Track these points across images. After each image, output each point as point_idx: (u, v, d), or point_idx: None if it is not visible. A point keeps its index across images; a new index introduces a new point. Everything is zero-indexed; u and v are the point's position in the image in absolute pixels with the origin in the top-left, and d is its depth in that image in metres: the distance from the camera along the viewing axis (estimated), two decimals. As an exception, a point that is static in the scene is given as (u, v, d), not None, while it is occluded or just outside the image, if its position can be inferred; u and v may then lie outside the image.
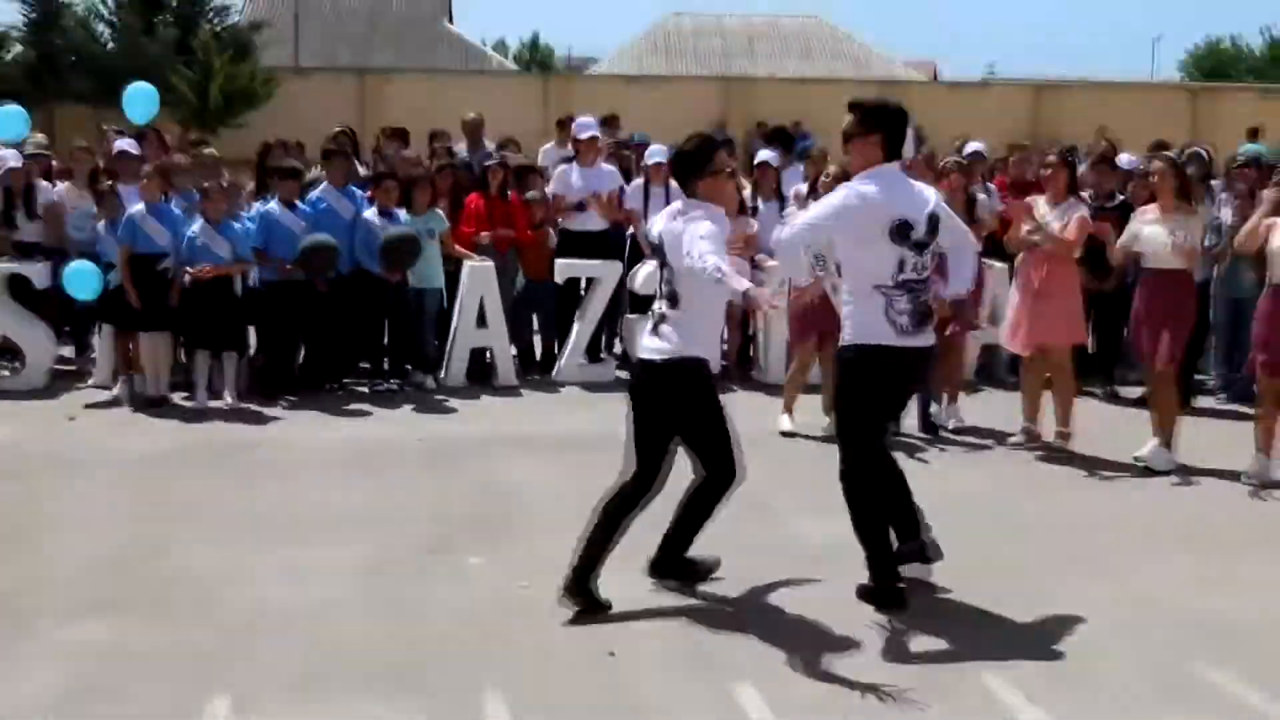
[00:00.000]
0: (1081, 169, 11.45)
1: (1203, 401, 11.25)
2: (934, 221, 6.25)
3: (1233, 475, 8.73)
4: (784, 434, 9.68)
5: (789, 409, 9.88)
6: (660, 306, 6.23)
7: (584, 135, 12.40)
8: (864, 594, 6.32)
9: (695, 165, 6.23)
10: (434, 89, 29.11)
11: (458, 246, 11.64)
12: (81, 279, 10.51)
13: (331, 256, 10.81)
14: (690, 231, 5.99)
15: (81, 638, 5.78)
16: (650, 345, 6.18)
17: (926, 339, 6.29)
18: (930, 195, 6.37)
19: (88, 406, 10.54)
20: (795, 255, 6.73)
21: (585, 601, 6.12)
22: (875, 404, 6.36)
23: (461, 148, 14.23)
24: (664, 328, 6.16)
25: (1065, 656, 5.74)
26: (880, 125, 6.25)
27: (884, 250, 6.13)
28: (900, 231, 6.13)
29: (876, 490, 6.36)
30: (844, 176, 7.32)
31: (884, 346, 6.18)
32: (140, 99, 12.26)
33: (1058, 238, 9.18)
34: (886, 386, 6.33)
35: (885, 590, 6.30)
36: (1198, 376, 11.60)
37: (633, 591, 6.32)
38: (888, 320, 6.16)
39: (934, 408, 10.02)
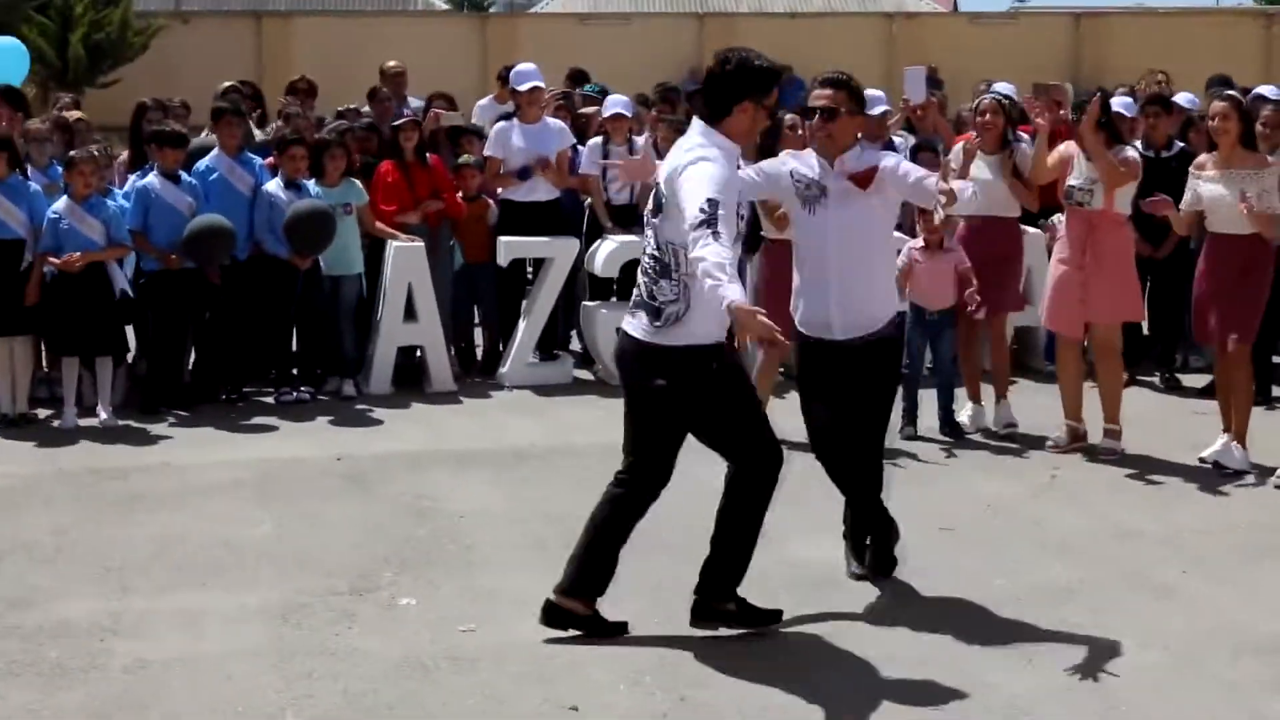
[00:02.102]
0: (1119, 108, 11.54)
1: (1281, 390, 11.38)
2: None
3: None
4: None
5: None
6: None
7: (524, 86, 12.34)
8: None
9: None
10: (347, 33, 29.15)
11: (380, 224, 11.67)
12: None
13: (226, 240, 10.81)
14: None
15: (-69, 705, 5.82)
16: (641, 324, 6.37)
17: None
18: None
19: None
20: None
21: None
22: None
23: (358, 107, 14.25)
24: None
25: (1117, 696, 5.84)
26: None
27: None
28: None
29: None
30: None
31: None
32: (6, 56, 12.05)
33: (1108, 158, 9.13)
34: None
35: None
36: (1276, 360, 11.72)
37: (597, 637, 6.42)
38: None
39: (969, 409, 10.15)
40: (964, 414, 10.15)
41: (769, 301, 8.22)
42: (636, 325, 6.37)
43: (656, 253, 6.30)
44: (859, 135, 7.03)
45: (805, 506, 7.57)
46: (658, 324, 6.28)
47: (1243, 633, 6.49)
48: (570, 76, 15.14)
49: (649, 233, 6.36)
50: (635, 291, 6.44)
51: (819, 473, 7.18)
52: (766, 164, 7.21)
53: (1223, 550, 7.69)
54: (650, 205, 6.38)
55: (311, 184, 11.38)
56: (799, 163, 7.02)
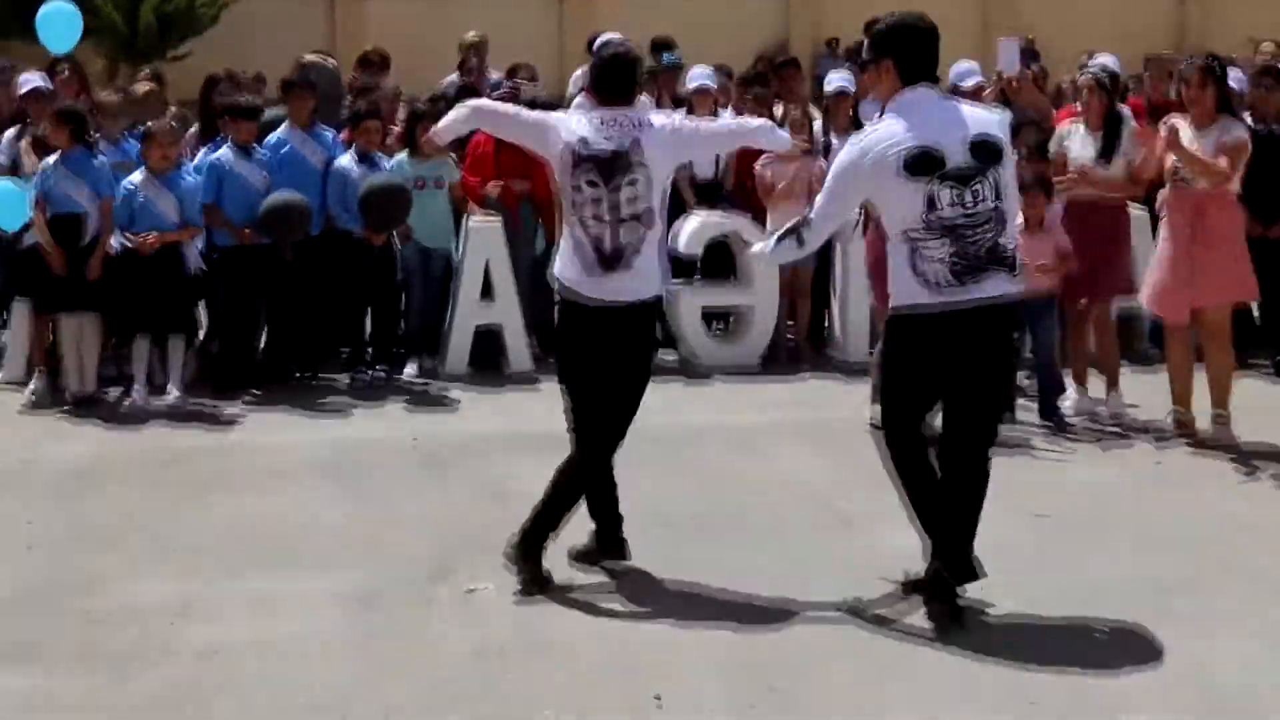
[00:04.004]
0: (1234, 82, 11.42)
1: None
2: (985, 149, 6.38)
3: None
4: (874, 426, 9.66)
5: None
6: (636, 228, 6.79)
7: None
8: (936, 588, 6.56)
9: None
10: (422, 6, 29.16)
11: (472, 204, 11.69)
12: (3, 202, 10.51)
13: (302, 217, 10.88)
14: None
15: (2, 689, 5.86)
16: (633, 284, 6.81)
17: (981, 292, 6.36)
18: (982, 118, 6.58)
19: (6, 409, 10.62)
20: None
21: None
22: (906, 381, 6.66)
23: (454, 76, 14.30)
24: (640, 257, 6.81)
25: (1227, 694, 5.77)
26: (889, 50, 6.55)
27: (900, 189, 6.36)
28: (916, 164, 6.31)
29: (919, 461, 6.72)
30: None
31: (906, 309, 6.50)
32: (59, 21, 12.13)
33: (1205, 163, 9.07)
34: (913, 360, 6.58)
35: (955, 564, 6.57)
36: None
37: (682, 623, 6.41)
38: (914, 272, 6.40)
39: (1073, 394, 10.06)
40: (1067, 400, 10.06)
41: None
42: (998, 285, 6.40)
43: (999, 201, 6.37)
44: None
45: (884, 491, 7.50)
46: (1016, 274, 6.46)
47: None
48: (654, 47, 15.05)
49: (984, 182, 6.35)
50: (926, 262, 6.35)
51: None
52: None
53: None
54: (978, 153, 6.37)
55: (398, 158, 11.42)
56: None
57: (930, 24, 6.58)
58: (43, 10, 11.94)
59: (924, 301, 6.38)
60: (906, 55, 6.52)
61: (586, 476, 7.02)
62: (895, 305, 6.53)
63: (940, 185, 6.29)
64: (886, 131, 6.42)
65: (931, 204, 6.30)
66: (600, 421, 6.95)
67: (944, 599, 6.47)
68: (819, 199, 6.77)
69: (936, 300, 6.36)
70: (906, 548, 6.97)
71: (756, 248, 7.60)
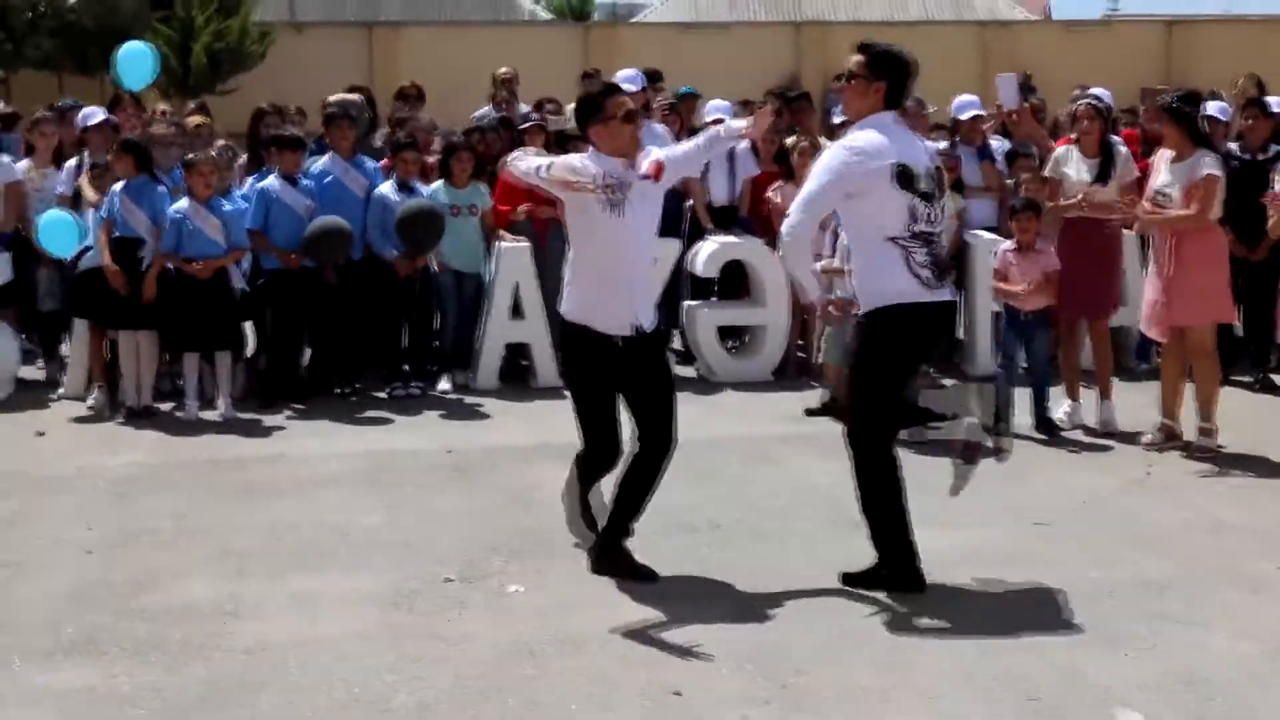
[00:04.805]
0: (1213, 110, 11.55)
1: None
2: (939, 174, 6.75)
3: None
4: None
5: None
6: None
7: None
8: (864, 580, 6.81)
9: (584, 115, 7.02)
10: (454, 43, 29.31)
11: (501, 230, 11.72)
12: (58, 231, 10.56)
13: (344, 241, 10.92)
14: None
15: (62, 682, 5.89)
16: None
17: (948, 294, 6.85)
18: (931, 148, 7.02)
19: (66, 420, 10.68)
20: (805, 250, 7.09)
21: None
22: (899, 371, 6.82)
23: (487, 109, 14.32)
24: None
25: (1213, 689, 5.74)
26: (886, 74, 6.75)
27: (892, 198, 6.59)
28: (904, 177, 6.58)
29: (890, 476, 6.82)
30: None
31: (911, 304, 6.66)
32: (135, 60, 12.09)
33: (1174, 222, 9.14)
34: (914, 348, 6.85)
35: (903, 573, 6.78)
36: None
37: (701, 622, 6.40)
38: (911, 274, 6.63)
39: (1066, 406, 10.04)
40: (1060, 411, 10.03)
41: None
42: (951, 288, 6.94)
43: (943, 219, 6.83)
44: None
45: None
46: (945, 283, 6.80)
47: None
48: (647, 77, 14.96)
49: (939, 201, 6.74)
50: (918, 266, 6.65)
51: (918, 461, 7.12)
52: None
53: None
54: (936, 177, 6.74)
55: (434, 186, 11.46)
56: (598, 165, 6.91)
57: (914, 60, 6.83)
58: (124, 50, 11.93)
59: (925, 300, 6.66)
60: (897, 82, 6.74)
61: (592, 464, 7.13)
62: (892, 302, 6.66)
63: (917, 200, 6.61)
64: (877, 143, 6.62)
65: (914, 215, 6.61)
66: (601, 424, 7.04)
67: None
68: (806, 191, 6.80)
69: (930, 298, 6.69)
70: (922, 539, 6.98)
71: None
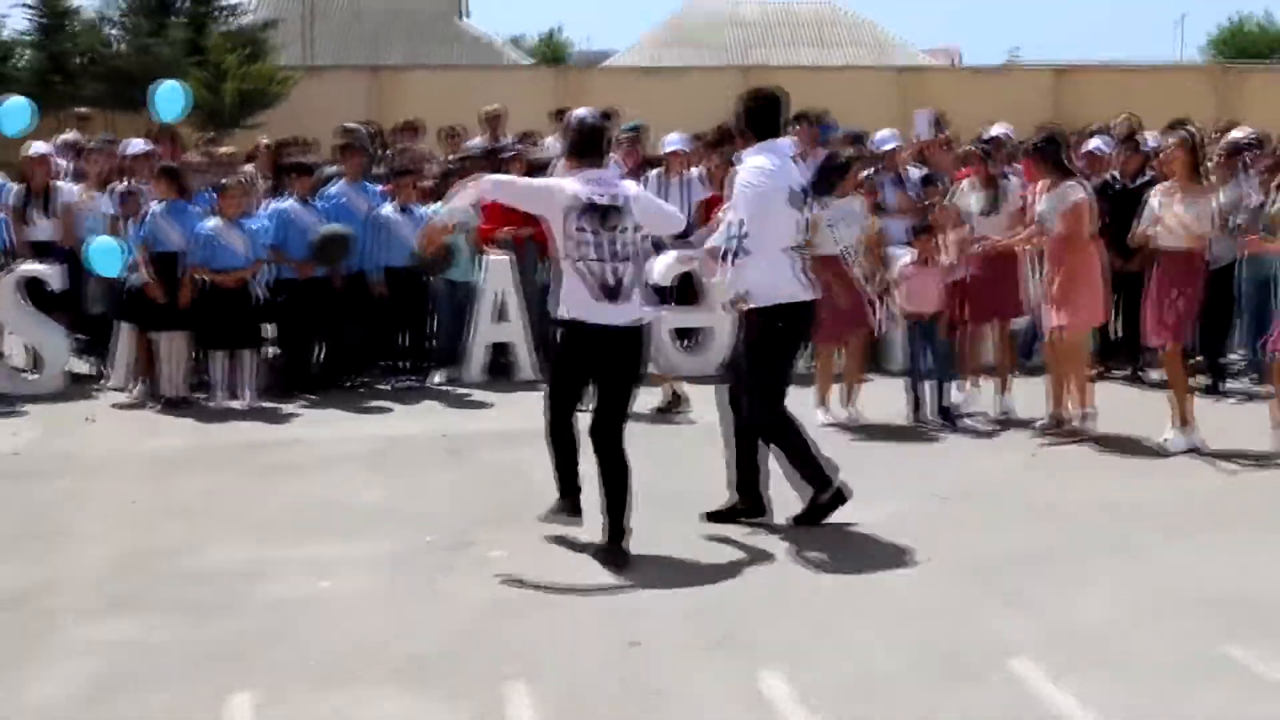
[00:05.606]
0: (1098, 144, 11.85)
1: (1234, 384, 11.16)
2: (806, 194, 7.12)
3: (1260, 456, 8.72)
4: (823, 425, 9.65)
5: (825, 401, 9.98)
6: (629, 266, 6.80)
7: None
8: (812, 514, 7.19)
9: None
10: (448, 84, 29.11)
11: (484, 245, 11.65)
12: (106, 255, 10.52)
13: (345, 243, 10.91)
14: None
15: (106, 635, 5.86)
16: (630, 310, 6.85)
17: (816, 293, 7.20)
18: (804, 170, 7.81)
19: (112, 407, 10.65)
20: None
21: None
22: (789, 357, 7.22)
23: (478, 140, 14.26)
24: (635, 289, 6.87)
25: (1092, 640, 5.76)
26: (751, 126, 7.13)
27: (790, 215, 6.99)
28: (798, 197, 7.02)
29: (792, 427, 7.21)
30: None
31: (798, 302, 7.06)
32: (170, 95, 12.06)
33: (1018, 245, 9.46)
34: (798, 340, 7.35)
35: (832, 499, 7.17)
36: (1233, 357, 11.59)
37: (657, 577, 6.41)
38: (797, 278, 7.04)
39: (958, 395, 10.04)
40: (959, 395, 10.06)
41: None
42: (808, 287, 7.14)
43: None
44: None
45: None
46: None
47: (1201, 588, 6.38)
48: (602, 115, 14.77)
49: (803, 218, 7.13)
50: (800, 265, 7.09)
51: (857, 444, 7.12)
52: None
53: (1182, 518, 7.58)
54: (805, 196, 7.12)
55: (432, 208, 11.40)
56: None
57: (775, 96, 7.23)
58: (162, 88, 11.81)
59: (806, 299, 7.10)
60: (764, 125, 7.10)
61: (553, 430, 7.00)
62: (782, 302, 6.99)
63: (801, 217, 7.02)
64: (782, 167, 7.03)
65: (803, 229, 7.05)
66: (566, 398, 7.00)
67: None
68: (739, 216, 6.97)
69: (808, 296, 7.11)
70: (852, 520, 6.99)
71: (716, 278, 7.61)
